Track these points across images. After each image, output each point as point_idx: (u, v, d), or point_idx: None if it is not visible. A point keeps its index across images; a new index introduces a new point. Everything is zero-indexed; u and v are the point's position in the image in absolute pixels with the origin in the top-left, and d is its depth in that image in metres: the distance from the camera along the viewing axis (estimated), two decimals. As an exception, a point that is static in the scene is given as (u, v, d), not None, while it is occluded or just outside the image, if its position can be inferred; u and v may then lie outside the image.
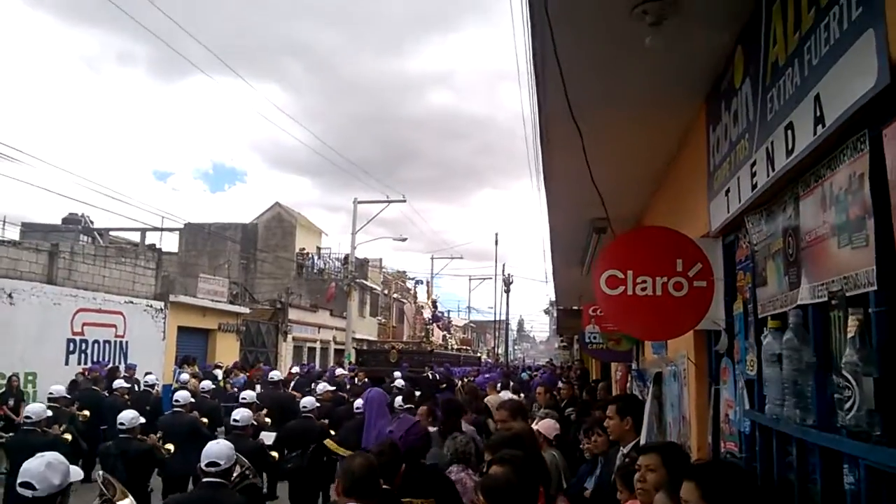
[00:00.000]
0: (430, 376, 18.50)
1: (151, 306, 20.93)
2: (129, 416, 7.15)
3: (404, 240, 35.77)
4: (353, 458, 3.68)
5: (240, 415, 7.26)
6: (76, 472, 3.54)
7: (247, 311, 26.61)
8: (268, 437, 8.35)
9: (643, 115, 4.26)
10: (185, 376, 15.59)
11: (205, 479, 4.48)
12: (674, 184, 5.10)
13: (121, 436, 7.04)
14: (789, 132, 2.53)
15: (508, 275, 48.34)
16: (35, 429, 7.43)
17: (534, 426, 6.02)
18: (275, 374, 15.05)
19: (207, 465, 4.47)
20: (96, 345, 18.86)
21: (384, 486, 3.76)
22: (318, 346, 33.37)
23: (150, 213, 34.04)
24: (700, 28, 3.23)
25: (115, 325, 19.51)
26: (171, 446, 7.58)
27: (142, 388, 13.46)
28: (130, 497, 3.86)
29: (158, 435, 7.67)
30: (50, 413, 8.08)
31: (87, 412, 10.88)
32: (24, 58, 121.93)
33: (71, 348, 18.00)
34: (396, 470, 4.06)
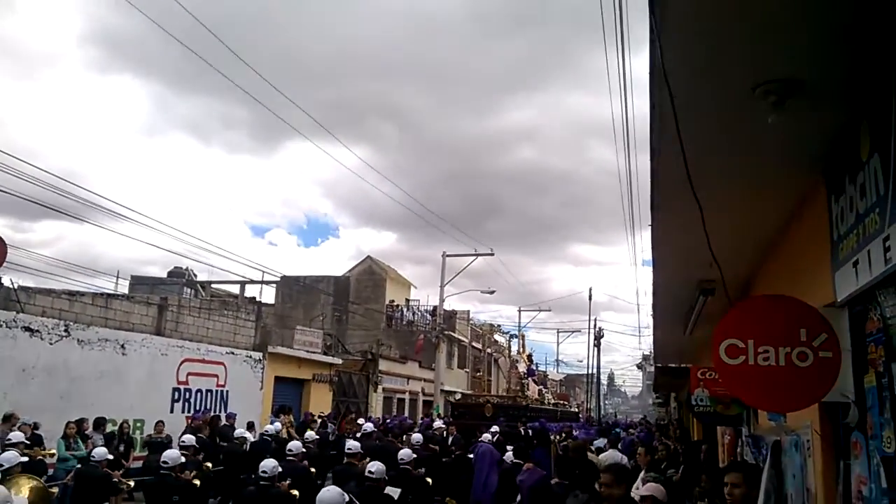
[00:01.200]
0: (523, 432, 18.26)
1: (251, 357, 21.68)
2: (270, 465, 7.56)
3: (492, 292, 35.92)
4: None
5: (375, 467, 7.47)
6: None
7: (339, 361, 27.14)
8: (393, 492, 8.52)
9: (761, 185, 4.28)
10: (277, 425, 16.04)
11: None
12: (790, 251, 5.04)
13: (262, 483, 7.49)
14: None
15: (599, 329, 47.45)
16: (170, 473, 8.07)
17: (640, 490, 5.92)
18: (368, 427, 15.51)
19: None
20: (199, 394, 19.63)
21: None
22: (407, 397, 33.56)
23: (249, 266, 35.51)
24: (823, 105, 3.28)
25: (216, 375, 20.28)
26: (296, 492, 8.05)
27: (256, 437, 14.06)
28: None
29: (287, 483, 8.03)
30: (183, 459, 8.65)
31: (209, 464, 11.39)
32: (132, 123, 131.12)
33: (176, 397, 18.80)
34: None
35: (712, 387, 7.35)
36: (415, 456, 9.64)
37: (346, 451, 9.52)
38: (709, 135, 3.61)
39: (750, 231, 5.23)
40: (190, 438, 11.03)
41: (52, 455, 11.89)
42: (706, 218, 4.16)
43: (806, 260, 4.51)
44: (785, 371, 3.83)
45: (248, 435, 14.85)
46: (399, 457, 9.24)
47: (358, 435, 14.42)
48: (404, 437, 14.94)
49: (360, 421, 18.73)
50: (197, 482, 8.96)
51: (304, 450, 9.54)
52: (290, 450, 9.16)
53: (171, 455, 8.35)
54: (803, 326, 3.87)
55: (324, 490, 5.29)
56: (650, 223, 5.38)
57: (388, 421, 21.43)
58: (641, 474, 7.82)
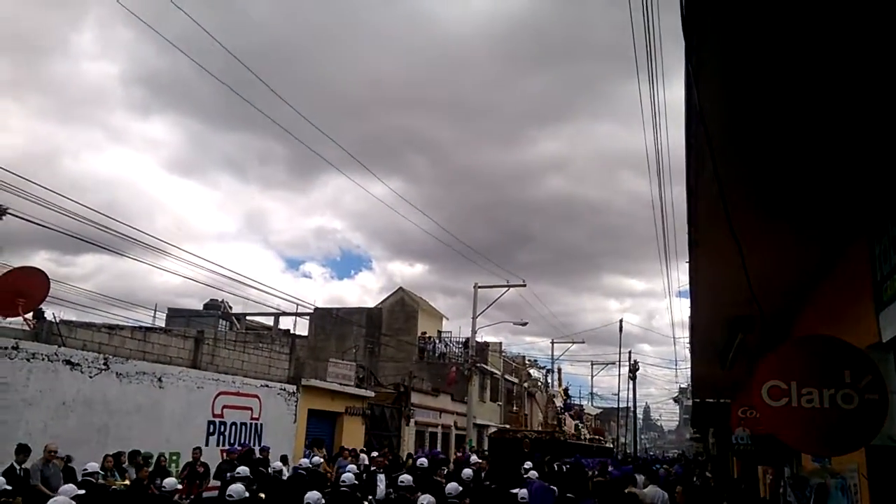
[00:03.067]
0: (556, 468, 18.01)
1: (285, 389, 21.76)
2: (314, 498, 8.01)
3: (525, 324, 35.59)
4: None
5: (426, 500, 8.00)
6: None
7: (372, 394, 27.10)
8: None
9: (798, 226, 4.23)
10: (317, 459, 16.02)
11: None
12: (831, 290, 4.97)
13: None
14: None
15: (635, 361, 46.82)
16: None
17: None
18: (423, 462, 15.86)
19: None
20: (234, 427, 19.72)
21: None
22: (439, 430, 33.30)
23: (283, 299, 35.83)
24: (862, 149, 3.25)
25: (251, 408, 20.37)
26: None
27: (290, 471, 14.19)
28: None
29: None
30: (247, 494, 8.87)
31: (262, 494, 11.50)
32: (172, 160, 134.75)
33: (211, 430, 18.90)
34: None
35: (753, 426, 7.20)
36: (461, 489, 9.86)
37: (399, 483, 10.16)
38: (746, 175, 3.60)
39: (789, 270, 5.17)
40: (245, 470, 11.11)
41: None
42: (746, 256, 4.12)
43: (848, 300, 4.44)
44: (829, 413, 3.76)
45: (282, 468, 14.87)
46: (447, 491, 9.56)
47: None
48: (442, 469, 14.97)
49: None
50: None
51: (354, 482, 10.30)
52: (343, 481, 10.05)
53: (236, 489, 8.72)
54: (847, 367, 3.79)
55: None
56: (687, 260, 5.34)
57: (418, 455, 21.46)
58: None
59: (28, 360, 13.55)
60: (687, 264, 5.51)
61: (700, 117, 2.96)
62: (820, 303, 5.39)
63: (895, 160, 3.30)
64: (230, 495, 8.38)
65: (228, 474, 11.35)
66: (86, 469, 10.46)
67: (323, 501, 8.10)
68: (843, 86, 2.82)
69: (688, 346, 9.62)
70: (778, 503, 7.19)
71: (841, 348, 3.91)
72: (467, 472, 12.98)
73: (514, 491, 10.09)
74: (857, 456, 4.26)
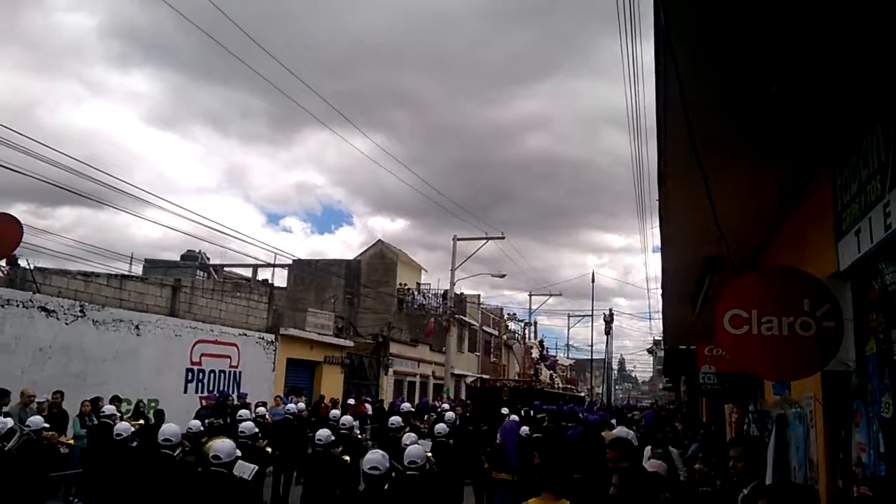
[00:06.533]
0: (529, 413, 18.51)
1: (263, 338, 21.86)
2: (325, 434, 8.47)
3: (503, 276, 35.88)
4: None
5: (409, 440, 8.39)
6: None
7: (351, 344, 27.31)
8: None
9: (765, 156, 4.29)
10: (301, 405, 16.33)
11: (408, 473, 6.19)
12: (795, 224, 5.07)
13: (318, 449, 8.45)
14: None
15: (610, 309, 47.62)
16: (247, 442, 9.01)
17: (646, 466, 6.01)
18: (406, 406, 17.22)
19: (410, 462, 6.16)
20: (212, 374, 19.84)
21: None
22: (417, 380, 33.75)
23: (262, 249, 35.73)
24: (827, 74, 3.29)
25: (229, 357, 20.47)
26: (347, 457, 8.88)
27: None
28: None
29: (340, 449, 8.73)
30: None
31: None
32: (151, 113, 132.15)
33: (189, 377, 19.00)
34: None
35: (719, 363, 7.40)
36: (448, 429, 11.30)
37: (390, 425, 10.75)
38: (714, 106, 3.64)
39: (756, 205, 5.25)
40: (250, 426, 11.15)
41: (69, 443, 12.06)
42: (712, 188, 4.18)
43: (810, 232, 4.54)
44: (788, 340, 3.88)
45: (265, 413, 15.07)
46: (436, 430, 10.90)
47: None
48: (425, 417, 16.31)
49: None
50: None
51: (354, 424, 11.06)
52: (343, 424, 10.44)
53: (247, 425, 9.51)
54: (806, 297, 3.91)
55: (370, 452, 6.24)
56: (658, 198, 5.41)
57: (400, 401, 22.12)
58: (648, 450, 7.94)
59: (2, 306, 13.47)
60: (658, 203, 5.57)
61: (666, 39, 2.98)
62: (785, 237, 5.50)
63: (858, 87, 3.35)
64: (242, 431, 8.76)
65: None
66: (27, 425, 10.17)
67: (333, 437, 8.52)
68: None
69: (660, 290, 9.78)
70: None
71: (800, 278, 4.02)
72: (450, 415, 13.94)
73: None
74: (813, 383, 4.42)
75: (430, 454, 8.48)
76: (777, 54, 3.13)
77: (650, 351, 54.36)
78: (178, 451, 7.55)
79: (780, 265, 4.44)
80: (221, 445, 6.63)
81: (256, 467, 7.59)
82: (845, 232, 3.69)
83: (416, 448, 6.72)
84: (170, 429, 8.46)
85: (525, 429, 10.87)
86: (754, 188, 4.89)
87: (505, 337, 47.47)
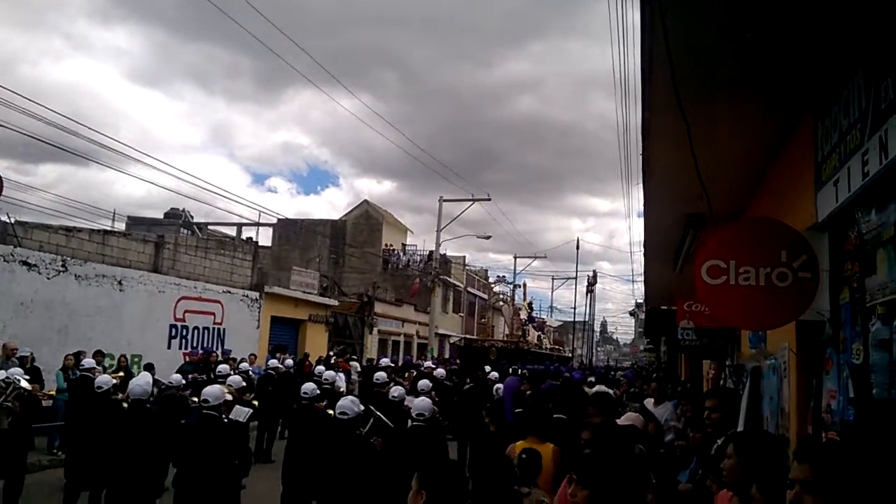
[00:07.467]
0: (514, 371, 18.85)
1: (248, 296, 21.86)
2: (310, 388, 8.57)
3: (488, 237, 36.08)
4: None
5: (397, 392, 9.05)
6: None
7: (335, 303, 27.38)
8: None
9: (748, 107, 4.29)
10: (289, 362, 16.49)
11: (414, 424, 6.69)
12: (778, 176, 5.09)
13: (303, 402, 8.47)
14: (905, 119, 2.58)
15: (594, 272, 48.03)
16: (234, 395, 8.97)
17: (621, 420, 6.12)
18: (384, 361, 18.13)
19: (417, 415, 6.67)
20: (196, 331, 19.87)
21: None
22: (402, 339, 34.00)
23: (247, 207, 35.46)
24: (809, 21, 3.28)
25: (213, 313, 20.49)
26: (331, 411, 8.76)
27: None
28: None
29: (324, 403, 8.74)
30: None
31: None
32: (134, 70, 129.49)
33: (173, 333, 19.03)
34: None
35: (697, 319, 7.50)
36: (431, 385, 11.55)
37: (375, 380, 10.95)
38: (697, 52, 3.62)
39: (738, 159, 5.26)
40: (237, 380, 11.24)
41: (50, 396, 12.10)
42: (694, 140, 4.19)
43: (791, 184, 4.57)
44: (764, 290, 3.93)
45: (249, 368, 15.18)
46: (419, 387, 10.92)
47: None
48: (406, 374, 16.30)
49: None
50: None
51: (336, 378, 11.18)
52: (326, 379, 10.57)
53: (234, 379, 10.00)
54: (784, 248, 3.95)
55: (341, 399, 6.58)
56: (641, 152, 5.41)
57: (380, 358, 22.58)
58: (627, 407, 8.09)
59: (-18, 259, 13.37)
60: (641, 157, 5.58)
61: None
62: (766, 192, 5.54)
63: (840, 35, 3.34)
64: (206, 399, 8.65)
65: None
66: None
67: (318, 391, 8.63)
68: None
69: (642, 248, 9.85)
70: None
71: (779, 229, 4.06)
72: (440, 371, 14.76)
73: (498, 386, 11.59)
74: (787, 335, 4.49)
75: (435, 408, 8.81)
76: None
77: (632, 313, 55.04)
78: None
79: (759, 217, 4.48)
80: (210, 390, 6.96)
81: (251, 410, 7.80)
82: (824, 182, 3.72)
83: (423, 400, 7.07)
84: (142, 379, 8.55)
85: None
86: (737, 141, 4.89)
87: (493, 300, 47.99)
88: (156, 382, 10.50)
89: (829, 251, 3.96)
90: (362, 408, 6.61)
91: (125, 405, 8.40)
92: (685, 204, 6.62)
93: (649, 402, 8.13)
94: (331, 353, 21.51)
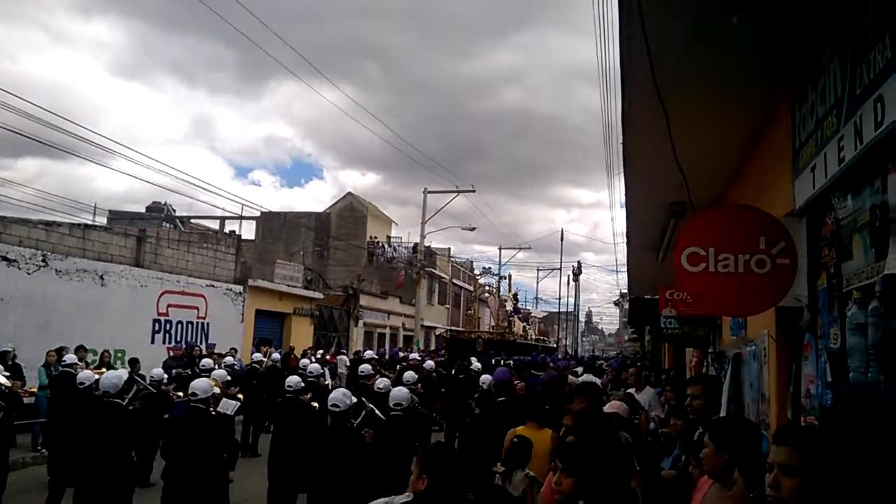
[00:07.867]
0: (499, 362, 18.96)
1: (231, 290, 21.75)
2: (294, 381, 8.56)
3: (473, 229, 35.90)
4: None
5: (382, 384, 8.76)
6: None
7: (320, 296, 27.32)
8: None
9: (727, 95, 4.32)
10: (276, 356, 16.46)
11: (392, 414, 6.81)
12: (757, 164, 5.13)
13: (288, 395, 8.42)
14: (878, 105, 2.60)
15: (578, 262, 48.30)
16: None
17: (605, 408, 6.16)
18: (369, 353, 18.09)
19: (395, 405, 6.81)
20: (180, 325, 19.76)
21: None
22: (387, 331, 34.01)
23: (230, 200, 35.26)
24: (787, 5, 3.30)
25: (197, 308, 20.38)
26: (316, 404, 8.89)
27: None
28: None
29: (309, 395, 8.83)
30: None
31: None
32: (115, 63, 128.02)
33: (156, 328, 18.92)
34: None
35: (679, 306, 7.55)
36: (416, 376, 11.61)
37: (360, 373, 11.29)
38: (675, 38, 3.63)
39: (717, 148, 5.30)
40: (222, 374, 11.18)
41: (32, 393, 12.03)
42: (674, 129, 4.21)
43: (769, 172, 4.60)
44: (743, 277, 3.96)
45: (234, 362, 15.22)
46: (405, 378, 10.94)
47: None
48: (398, 367, 16.51)
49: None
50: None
51: (321, 372, 11.12)
52: (310, 372, 10.66)
53: (219, 373, 9.75)
54: (763, 235, 3.98)
55: (335, 391, 6.59)
56: (622, 141, 5.42)
57: (365, 350, 22.69)
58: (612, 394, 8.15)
59: (-40, 254, 13.22)
60: (622, 146, 5.59)
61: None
62: (745, 180, 5.57)
63: (816, 22, 3.36)
64: (194, 392, 8.53)
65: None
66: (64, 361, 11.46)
67: (302, 384, 8.62)
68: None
69: (625, 238, 9.89)
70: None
71: (757, 216, 4.09)
72: (430, 363, 15.00)
73: (484, 377, 11.36)
74: (766, 322, 4.53)
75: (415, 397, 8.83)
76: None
77: (617, 304, 55.37)
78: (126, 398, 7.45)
79: (738, 204, 4.51)
80: (199, 383, 6.97)
81: (239, 403, 7.85)
82: (802, 169, 3.74)
83: (400, 390, 7.19)
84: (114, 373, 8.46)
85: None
86: (716, 130, 4.92)
87: (479, 291, 48.17)
88: (137, 379, 10.42)
89: (806, 237, 3.99)
90: (354, 400, 6.69)
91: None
92: (666, 193, 6.65)
93: (630, 391, 8.21)
94: (310, 349, 21.54)
